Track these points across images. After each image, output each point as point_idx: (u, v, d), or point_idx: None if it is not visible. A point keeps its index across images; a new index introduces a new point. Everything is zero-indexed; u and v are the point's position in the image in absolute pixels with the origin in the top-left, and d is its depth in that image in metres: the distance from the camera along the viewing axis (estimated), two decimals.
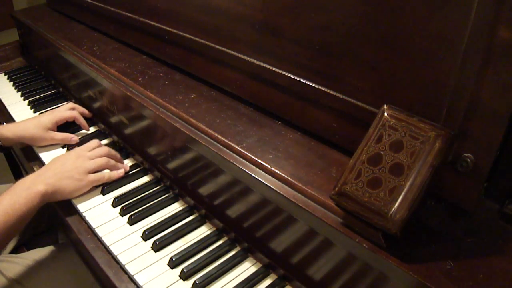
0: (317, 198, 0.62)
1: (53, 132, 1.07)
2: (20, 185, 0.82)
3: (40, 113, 1.22)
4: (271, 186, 0.66)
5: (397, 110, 0.57)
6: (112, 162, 0.95)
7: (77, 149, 0.95)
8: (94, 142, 0.98)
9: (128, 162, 1.02)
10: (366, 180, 0.55)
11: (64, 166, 0.88)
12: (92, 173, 0.91)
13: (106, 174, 0.93)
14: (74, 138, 1.07)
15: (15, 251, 1.13)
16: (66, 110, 1.11)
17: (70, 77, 1.25)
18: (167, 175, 0.92)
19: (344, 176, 0.57)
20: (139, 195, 0.91)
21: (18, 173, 1.44)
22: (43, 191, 0.81)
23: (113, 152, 0.98)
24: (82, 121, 1.12)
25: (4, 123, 1.16)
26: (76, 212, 0.89)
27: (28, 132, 1.04)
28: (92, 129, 1.16)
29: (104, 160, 0.93)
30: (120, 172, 0.94)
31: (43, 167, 0.89)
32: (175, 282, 0.73)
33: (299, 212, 0.64)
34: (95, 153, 0.93)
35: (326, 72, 0.70)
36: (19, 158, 0.95)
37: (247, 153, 0.71)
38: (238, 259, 0.77)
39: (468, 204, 0.58)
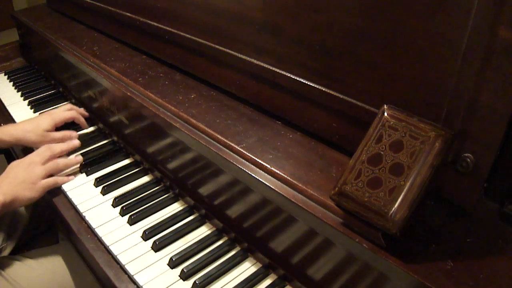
0: (317, 198, 0.62)
1: (52, 133, 1.05)
2: None
3: (40, 113, 1.22)
4: (271, 186, 0.66)
5: (397, 110, 0.57)
6: (62, 163, 0.96)
7: (27, 157, 0.95)
8: (43, 147, 0.98)
9: (128, 162, 1.02)
10: (366, 180, 0.55)
11: (17, 175, 0.89)
12: (45, 177, 0.92)
13: (59, 179, 0.94)
14: (73, 133, 1.07)
15: (15, 251, 1.13)
16: (65, 111, 1.10)
17: (70, 77, 1.25)
18: (167, 175, 0.92)
19: (344, 176, 0.57)
20: (139, 195, 0.91)
21: None
22: (1, 200, 0.83)
23: (57, 135, 1.02)
24: (82, 120, 1.12)
25: (2, 124, 1.16)
26: (76, 212, 0.89)
27: (27, 137, 1.03)
28: (92, 129, 1.16)
29: (54, 164, 0.95)
30: (69, 178, 0.96)
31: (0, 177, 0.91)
32: (175, 282, 0.73)
33: (299, 212, 0.64)
34: (44, 156, 0.95)
35: (326, 72, 0.70)
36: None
37: (247, 153, 0.71)
38: (238, 259, 0.77)
39: (468, 204, 0.58)
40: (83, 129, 1.14)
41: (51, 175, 0.94)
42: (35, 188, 0.89)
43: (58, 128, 1.10)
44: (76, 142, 1.03)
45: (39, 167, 0.92)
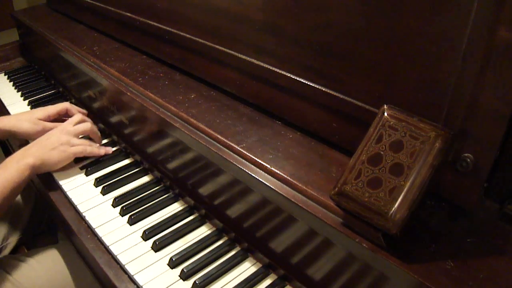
0: (317, 198, 0.62)
1: (44, 122, 1.07)
2: (10, 160, 0.88)
3: None
4: (271, 186, 0.66)
5: (397, 110, 0.57)
6: (94, 129, 1.02)
7: (62, 124, 1.01)
8: (78, 116, 1.04)
9: (128, 162, 1.02)
10: (366, 180, 0.55)
11: (48, 140, 0.95)
12: (75, 145, 0.97)
13: (88, 148, 0.98)
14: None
15: (15, 251, 1.13)
16: (58, 104, 1.12)
17: (70, 77, 1.25)
18: (167, 175, 0.92)
19: (344, 176, 0.57)
20: (139, 195, 0.91)
21: None
22: (31, 163, 0.88)
23: (95, 129, 1.04)
24: (75, 112, 1.11)
25: None
26: (76, 212, 0.89)
27: (20, 124, 1.04)
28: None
29: (84, 125, 1.00)
30: (102, 152, 1.01)
31: (30, 144, 0.95)
32: (175, 282, 0.73)
33: (299, 212, 0.64)
34: (79, 128, 1.00)
35: (326, 72, 0.70)
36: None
37: (247, 153, 0.71)
38: (238, 259, 0.77)
39: (468, 204, 0.58)
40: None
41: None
42: (64, 153, 0.94)
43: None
44: (110, 149, 1.05)
45: (70, 135, 0.97)
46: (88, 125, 1.02)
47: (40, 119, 1.06)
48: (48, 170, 0.95)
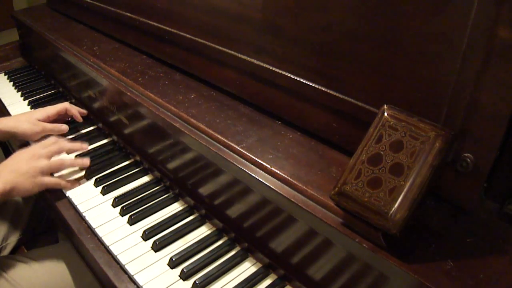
0: (317, 198, 0.62)
1: (43, 122, 1.06)
2: None
3: None
4: (271, 186, 0.66)
5: (397, 110, 0.57)
6: (67, 163, 0.95)
7: (32, 147, 0.94)
8: (51, 139, 0.97)
9: (128, 162, 1.02)
10: (366, 180, 0.55)
11: (20, 164, 0.88)
12: (48, 173, 0.91)
13: (62, 183, 0.92)
14: (63, 126, 1.07)
15: (15, 251, 1.13)
16: (57, 105, 1.11)
17: (70, 77, 1.25)
18: (167, 175, 0.92)
19: (344, 176, 0.57)
20: (139, 195, 0.91)
21: None
22: (1, 188, 0.83)
23: (68, 146, 0.98)
24: (74, 111, 1.11)
25: None
26: (76, 212, 0.89)
27: (19, 125, 1.03)
28: (91, 129, 1.16)
29: (59, 161, 0.93)
30: (74, 185, 0.94)
31: (0, 166, 0.89)
32: (175, 282, 0.73)
33: (299, 212, 0.64)
34: (51, 150, 0.93)
35: (326, 72, 0.70)
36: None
37: (247, 153, 0.71)
38: (238, 259, 0.77)
39: (468, 204, 0.58)
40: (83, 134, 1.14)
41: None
42: (36, 182, 0.88)
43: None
44: (85, 145, 1.02)
45: (44, 160, 0.90)
46: (60, 144, 0.96)
47: (40, 120, 1.05)
48: (18, 196, 0.90)
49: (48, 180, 0.90)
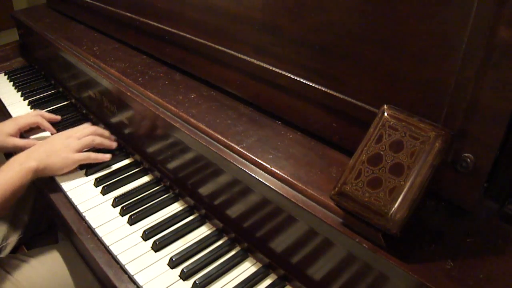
0: (317, 198, 0.62)
1: (14, 138, 1.05)
2: (13, 162, 0.88)
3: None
4: (271, 186, 0.66)
5: (397, 110, 0.57)
6: (98, 140, 1.00)
7: (67, 131, 1.01)
8: (84, 125, 1.04)
9: (128, 162, 1.02)
10: (366, 180, 0.55)
11: (53, 145, 0.95)
12: (79, 151, 0.97)
13: (92, 155, 0.98)
14: (32, 142, 1.05)
15: (15, 251, 1.13)
16: (29, 116, 1.10)
17: (70, 77, 1.25)
18: (167, 175, 0.92)
19: (344, 176, 0.57)
20: (139, 195, 0.91)
21: None
22: (34, 166, 0.88)
23: (100, 131, 1.03)
24: (46, 125, 1.11)
25: None
26: (76, 212, 0.89)
27: None
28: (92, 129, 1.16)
29: (90, 139, 0.99)
30: (106, 156, 1.00)
31: (34, 146, 0.95)
32: (175, 282, 0.73)
33: (299, 212, 0.64)
34: (83, 133, 1.00)
35: (326, 72, 0.70)
36: None
37: (247, 153, 0.71)
38: (238, 259, 0.77)
39: (468, 204, 0.58)
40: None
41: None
42: (68, 160, 0.94)
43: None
44: (114, 144, 1.04)
45: (75, 141, 0.97)
46: (91, 129, 1.01)
47: (11, 134, 1.05)
48: (51, 175, 0.95)
49: (78, 155, 0.96)
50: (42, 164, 0.89)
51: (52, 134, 1.12)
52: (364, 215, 0.55)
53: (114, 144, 1.03)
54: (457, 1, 0.52)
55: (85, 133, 1.00)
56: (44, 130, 1.14)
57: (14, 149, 1.05)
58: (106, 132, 1.04)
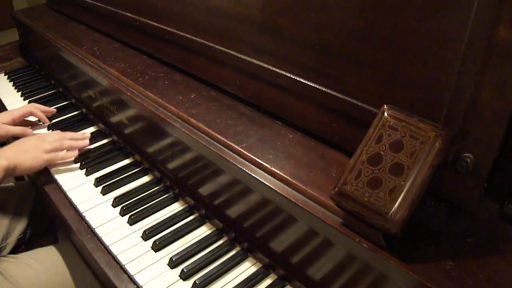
0: (317, 198, 0.62)
1: (7, 125, 1.09)
2: None
3: None
4: (271, 186, 0.66)
5: (397, 110, 0.57)
6: (67, 143, 1.01)
7: (39, 134, 1.03)
8: (55, 132, 1.06)
9: (128, 162, 1.02)
10: (366, 180, 0.55)
11: (24, 145, 0.97)
12: (49, 152, 0.98)
13: (60, 154, 1.00)
14: (28, 130, 1.12)
15: (15, 251, 1.13)
16: (24, 107, 1.14)
17: (70, 77, 1.25)
18: (167, 175, 0.92)
19: (344, 176, 0.57)
20: (139, 195, 0.91)
21: None
22: (5, 165, 0.89)
23: (69, 135, 1.04)
24: (40, 115, 1.15)
25: None
26: (76, 212, 0.89)
27: None
28: (92, 129, 1.16)
29: (59, 142, 1.00)
30: (72, 154, 1.02)
31: (6, 146, 0.97)
32: (175, 282, 0.73)
33: (299, 212, 0.64)
34: (54, 137, 1.01)
35: (326, 72, 0.70)
36: None
37: (247, 153, 0.71)
38: (238, 259, 0.77)
39: (468, 204, 0.58)
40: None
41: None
42: (37, 159, 0.95)
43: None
44: (86, 142, 1.05)
45: (45, 143, 0.98)
46: (62, 133, 1.03)
47: (4, 123, 1.08)
48: (22, 174, 0.98)
49: (48, 155, 0.97)
50: (12, 163, 0.91)
51: (45, 124, 1.18)
52: (364, 215, 0.55)
53: (86, 143, 1.05)
54: (457, 1, 0.52)
55: (56, 137, 1.01)
56: (39, 127, 1.17)
57: (7, 136, 1.08)
58: (77, 134, 1.06)
